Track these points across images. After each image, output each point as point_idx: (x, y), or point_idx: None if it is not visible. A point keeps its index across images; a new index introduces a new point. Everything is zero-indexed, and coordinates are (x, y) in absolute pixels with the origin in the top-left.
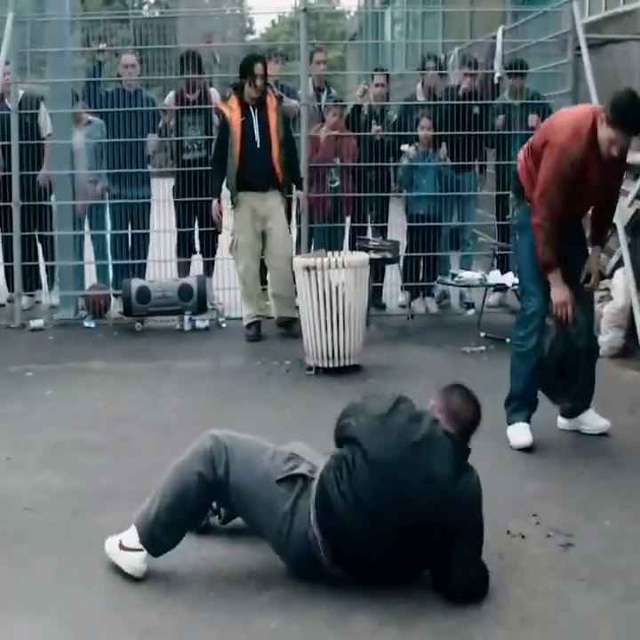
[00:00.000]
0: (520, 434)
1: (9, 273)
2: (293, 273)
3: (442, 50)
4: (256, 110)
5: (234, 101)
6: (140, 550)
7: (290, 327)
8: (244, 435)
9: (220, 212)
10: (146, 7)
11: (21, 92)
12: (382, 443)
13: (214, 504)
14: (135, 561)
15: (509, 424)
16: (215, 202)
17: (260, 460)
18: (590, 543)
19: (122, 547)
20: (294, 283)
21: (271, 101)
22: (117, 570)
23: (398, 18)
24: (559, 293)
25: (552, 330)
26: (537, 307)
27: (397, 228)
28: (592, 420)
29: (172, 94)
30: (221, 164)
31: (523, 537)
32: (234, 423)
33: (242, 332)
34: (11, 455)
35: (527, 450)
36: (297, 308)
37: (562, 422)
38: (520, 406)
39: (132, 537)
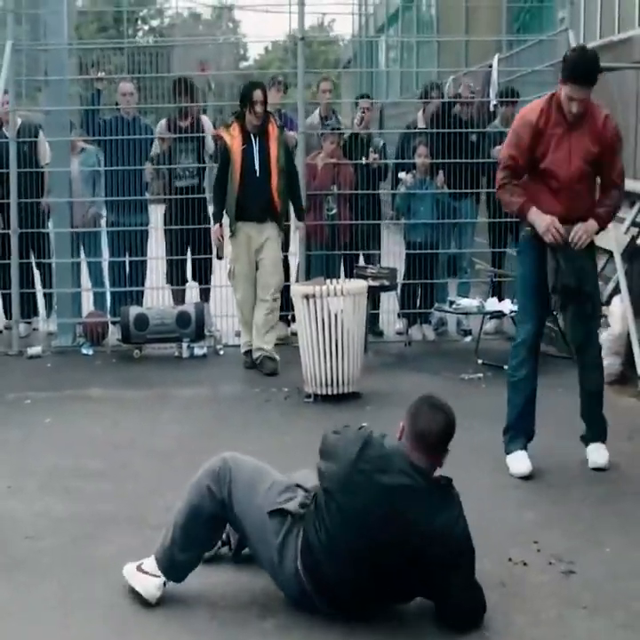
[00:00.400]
0: (518, 462)
1: (6, 300)
2: (274, 305)
3: (437, 78)
4: (257, 139)
5: (235, 129)
6: (158, 576)
7: (264, 364)
8: (251, 460)
9: (221, 236)
10: (140, 33)
11: (19, 120)
12: (352, 493)
13: (225, 536)
14: (151, 585)
15: (507, 453)
16: (216, 226)
17: (259, 489)
18: (592, 570)
19: (140, 569)
20: (271, 315)
21: (273, 130)
22: (120, 596)
23: (392, 45)
24: (541, 221)
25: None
26: (524, 336)
27: (394, 255)
28: (591, 454)
29: (163, 122)
30: (222, 190)
31: (525, 564)
32: (230, 447)
33: (240, 360)
34: (10, 482)
35: (527, 477)
36: (276, 343)
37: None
38: (516, 435)
39: (151, 563)
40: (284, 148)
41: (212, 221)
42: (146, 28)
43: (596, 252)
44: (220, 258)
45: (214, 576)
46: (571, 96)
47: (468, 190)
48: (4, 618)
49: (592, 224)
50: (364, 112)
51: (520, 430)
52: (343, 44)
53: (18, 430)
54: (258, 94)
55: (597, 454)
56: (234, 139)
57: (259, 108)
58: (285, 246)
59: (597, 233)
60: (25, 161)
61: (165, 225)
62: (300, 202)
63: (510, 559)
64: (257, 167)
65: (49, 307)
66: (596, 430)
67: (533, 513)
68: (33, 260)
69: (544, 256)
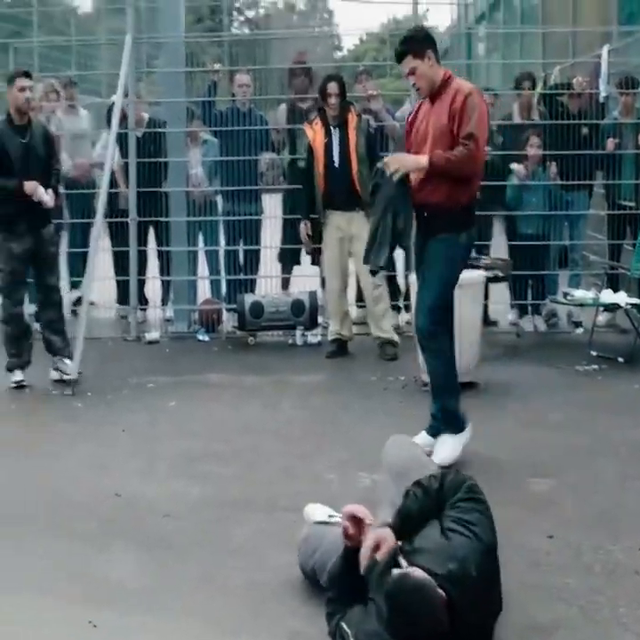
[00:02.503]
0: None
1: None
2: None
3: (542, 69)
4: (336, 130)
5: (318, 123)
6: None
7: (385, 349)
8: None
9: (308, 233)
10: (235, 24)
11: (147, 116)
12: None
13: None
14: None
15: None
16: (303, 223)
17: None
18: None
19: None
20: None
21: (352, 119)
22: (258, 578)
23: (492, 35)
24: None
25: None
26: None
27: (499, 246)
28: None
29: (283, 106)
30: (308, 186)
31: None
32: (354, 434)
33: (354, 347)
34: (142, 465)
35: None
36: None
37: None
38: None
39: None
40: (365, 136)
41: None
42: (241, 19)
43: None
44: (308, 253)
45: None
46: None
47: (581, 182)
48: (149, 595)
49: (416, 159)
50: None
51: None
52: (440, 33)
53: (145, 414)
54: (332, 87)
55: None
56: (316, 134)
57: (333, 100)
58: None
59: (427, 175)
60: (150, 154)
61: (284, 212)
62: None
63: None
64: (336, 158)
65: (166, 293)
66: None
67: None
68: (149, 248)
69: None
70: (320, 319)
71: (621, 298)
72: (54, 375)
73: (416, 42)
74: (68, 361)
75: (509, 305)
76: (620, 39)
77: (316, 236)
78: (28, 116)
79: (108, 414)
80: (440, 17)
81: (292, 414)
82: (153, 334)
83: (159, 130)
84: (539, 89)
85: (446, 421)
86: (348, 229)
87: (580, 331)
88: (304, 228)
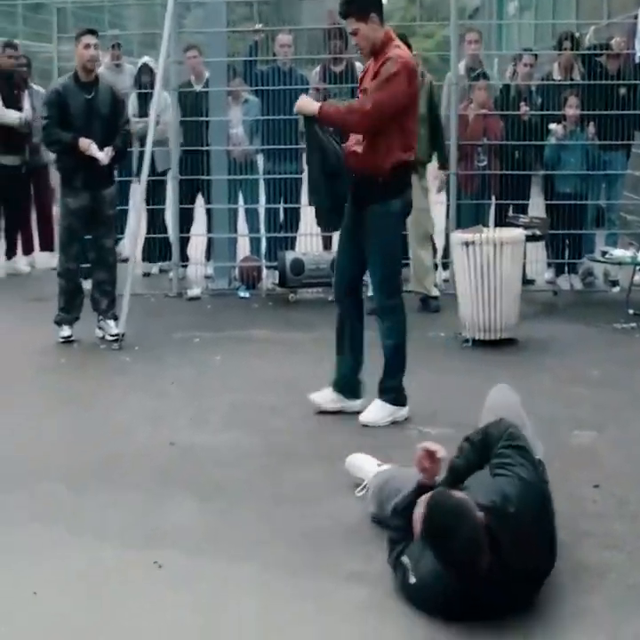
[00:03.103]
0: None
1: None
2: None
3: (576, 29)
4: None
5: None
6: None
7: (428, 304)
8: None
9: None
10: None
11: (207, 74)
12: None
13: None
14: None
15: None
16: None
17: None
18: None
19: None
20: (425, 261)
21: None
22: (311, 525)
23: None
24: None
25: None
26: None
27: (536, 205)
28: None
29: (318, 68)
30: None
31: None
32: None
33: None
34: (193, 415)
35: None
36: (434, 285)
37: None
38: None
39: None
40: (427, 97)
41: None
42: None
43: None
44: None
45: None
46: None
47: (619, 142)
48: (210, 538)
49: (310, 103)
50: (526, 66)
51: None
52: None
53: (191, 368)
54: None
55: None
56: None
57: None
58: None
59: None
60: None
61: None
62: (443, 151)
63: None
64: None
65: (208, 250)
66: None
67: None
68: (200, 205)
69: None
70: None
71: None
72: (98, 333)
73: (360, 4)
74: (111, 322)
75: (546, 263)
76: None
77: None
78: (95, 73)
79: (156, 368)
80: None
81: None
82: (194, 291)
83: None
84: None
85: (388, 393)
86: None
87: (616, 289)
88: None
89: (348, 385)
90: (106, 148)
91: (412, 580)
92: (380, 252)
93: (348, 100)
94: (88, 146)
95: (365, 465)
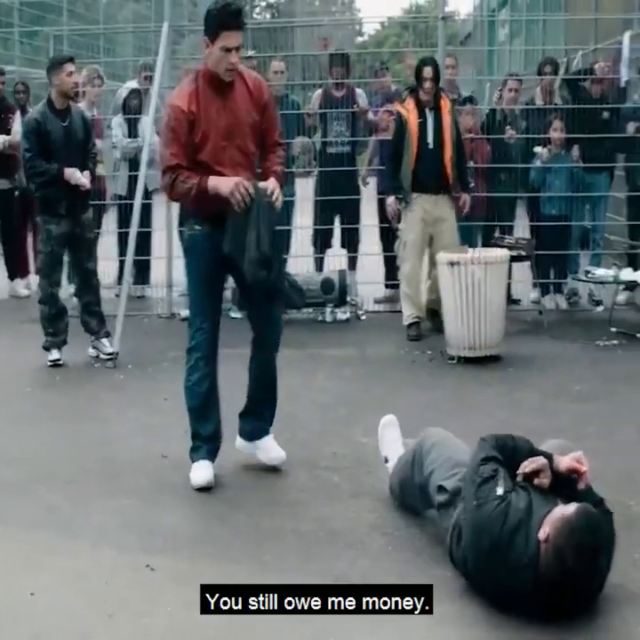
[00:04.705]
0: (197, 472)
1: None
2: None
3: (564, 54)
4: (431, 112)
5: (410, 103)
6: None
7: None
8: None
9: (397, 209)
10: (257, 10)
11: None
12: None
13: None
14: None
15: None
16: (392, 198)
17: None
18: None
19: None
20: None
21: (445, 104)
22: (306, 527)
23: (515, 20)
24: (224, 183)
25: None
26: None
27: (521, 227)
28: (269, 449)
29: (319, 91)
30: (397, 163)
31: None
32: (386, 403)
33: (381, 324)
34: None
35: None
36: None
37: (240, 444)
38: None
39: None
40: (455, 122)
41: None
42: (263, 4)
43: None
44: (396, 229)
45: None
46: (225, 47)
47: (603, 164)
48: (203, 541)
49: (275, 182)
50: (511, 91)
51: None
52: (460, 19)
53: None
54: (428, 71)
55: None
56: (410, 113)
57: (428, 85)
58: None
59: None
60: None
61: (316, 194)
62: (467, 174)
63: None
64: (430, 140)
65: None
66: None
67: None
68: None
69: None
70: (348, 297)
71: None
72: (92, 352)
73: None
74: (105, 341)
75: (532, 284)
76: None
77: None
78: (68, 100)
79: (150, 384)
80: (463, 3)
81: (326, 385)
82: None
83: None
84: (561, 74)
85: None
86: (434, 211)
87: (600, 308)
88: (393, 202)
89: None
90: (85, 172)
91: (500, 491)
92: (187, 277)
93: None
94: (73, 175)
95: (392, 443)
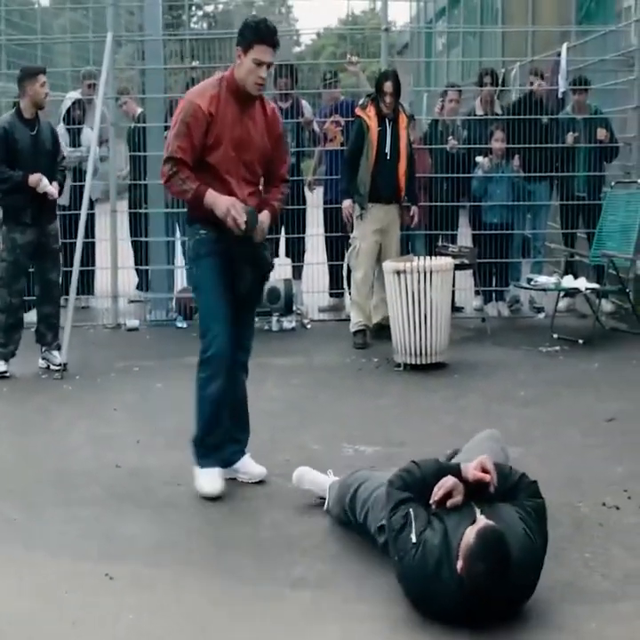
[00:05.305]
0: (208, 479)
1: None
2: None
3: (502, 66)
4: (390, 123)
5: (371, 111)
6: None
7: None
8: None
9: (351, 214)
10: (194, 19)
11: (140, 110)
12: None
13: None
14: None
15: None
16: (348, 202)
17: None
18: None
19: None
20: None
21: (403, 119)
22: (262, 534)
23: (453, 32)
24: (221, 203)
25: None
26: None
27: (463, 235)
28: (249, 468)
29: None
30: (354, 168)
31: (617, 508)
32: (334, 410)
33: (327, 333)
34: (137, 439)
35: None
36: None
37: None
38: (207, 452)
39: None
40: (408, 138)
41: (340, 197)
42: (200, 13)
43: None
44: (350, 233)
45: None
46: (258, 61)
47: (543, 174)
48: (160, 549)
49: (269, 216)
50: (451, 102)
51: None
52: (396, 29)
53: (134, 394)
54: (388, 86)
55: None
56: (371, 120)
57: (388, 100)
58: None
59: None
60: (141, 147)
61: None
62: (416, 188)
63: (604, 504)
64: (388, 150)
65: (144, 282)
66: None
67: (622, 468)
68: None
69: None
70: (294, 306)
71: (581, 283)
72: (42, 363)
73: None
74: (55, 352)
75: (474, 292)
76: (577, 38)
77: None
78: (37, 110)
79: (99, 395)
80: (399, 13)
81: (274, 393)
82: (133, 322)
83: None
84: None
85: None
86: (385, 220)
87: (541, 316)
88: (349, 207)
89: None
90: (54, 183)
91: (413, 538)
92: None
93: None
94: (38, 181)
95: (318, 477)
